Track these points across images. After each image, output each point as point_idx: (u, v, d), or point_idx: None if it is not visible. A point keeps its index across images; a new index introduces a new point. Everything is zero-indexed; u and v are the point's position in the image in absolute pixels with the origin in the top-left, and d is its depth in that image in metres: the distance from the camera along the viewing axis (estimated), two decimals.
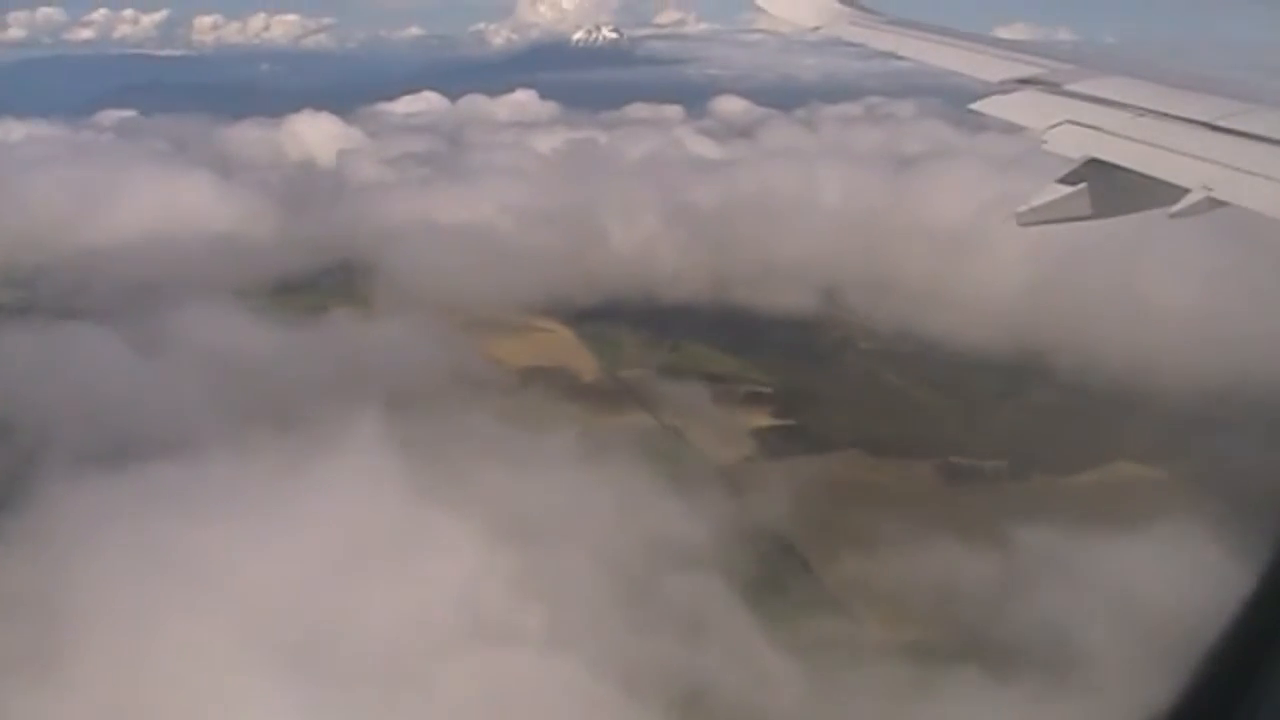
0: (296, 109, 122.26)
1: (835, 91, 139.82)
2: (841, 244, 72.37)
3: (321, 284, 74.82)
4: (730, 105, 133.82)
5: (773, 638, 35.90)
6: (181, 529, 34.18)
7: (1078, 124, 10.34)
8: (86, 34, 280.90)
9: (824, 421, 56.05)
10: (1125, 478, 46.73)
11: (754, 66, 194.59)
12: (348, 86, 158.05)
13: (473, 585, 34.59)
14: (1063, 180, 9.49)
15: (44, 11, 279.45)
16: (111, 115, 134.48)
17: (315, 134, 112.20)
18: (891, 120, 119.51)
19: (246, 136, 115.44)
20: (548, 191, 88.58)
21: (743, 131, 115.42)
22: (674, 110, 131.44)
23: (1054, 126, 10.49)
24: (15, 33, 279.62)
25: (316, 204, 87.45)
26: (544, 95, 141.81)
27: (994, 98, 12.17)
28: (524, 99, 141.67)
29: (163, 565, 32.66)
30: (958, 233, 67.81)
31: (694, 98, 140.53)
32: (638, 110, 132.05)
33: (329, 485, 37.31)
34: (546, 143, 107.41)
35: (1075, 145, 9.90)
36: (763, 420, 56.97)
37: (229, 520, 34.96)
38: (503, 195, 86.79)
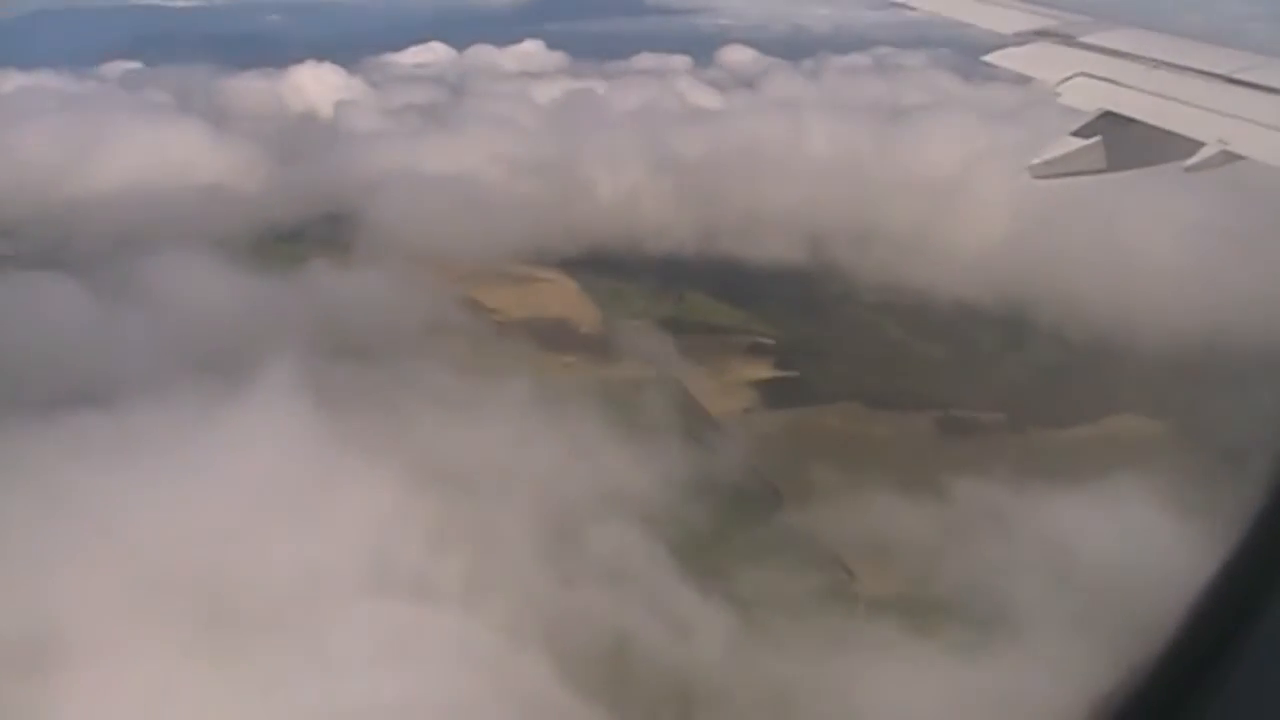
0: (302, 60, 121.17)
1: (846, 42, 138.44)
2: (837, 195, 72.21)
3: (309, 234, 74.10)
4: (737, 55, 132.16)
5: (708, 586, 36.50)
6: (93, 476, 34.43)
7: (1092, 76, 10.29)
8: None
9: (825, 373, 56.20)
10: (1122, 430, 46.92)
11: (765, 17, 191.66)
12: (356, 37, 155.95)
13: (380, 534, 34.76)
14: (1076, 133, 9.45)
15: None
16: (117, 67, 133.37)
17: (317, 85, 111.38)
18: (899, 71, 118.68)
19: (248, 88, 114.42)
20: (543, 142, 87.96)
21: (747, 82, 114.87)
22: (681, 60, 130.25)
23: (1067, 79, 10.45)
24: None
25: (309, 155, 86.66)
26: (551, 45, 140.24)
27: (1007, 50, 12.11)
28: (531, 49, 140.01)
29: (63, 511, 32.76)
30: (957, 184, 68.12)
31: (702, 48, 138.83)
32: (644, 60, 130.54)
33: (252, 435, 37.34)
34: (547, 93, 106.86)
35: (1089, 98, 9.86)
36: (764, 372, 57.27)
37: (142, 468, 34.92)
38: (497, 146, 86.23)
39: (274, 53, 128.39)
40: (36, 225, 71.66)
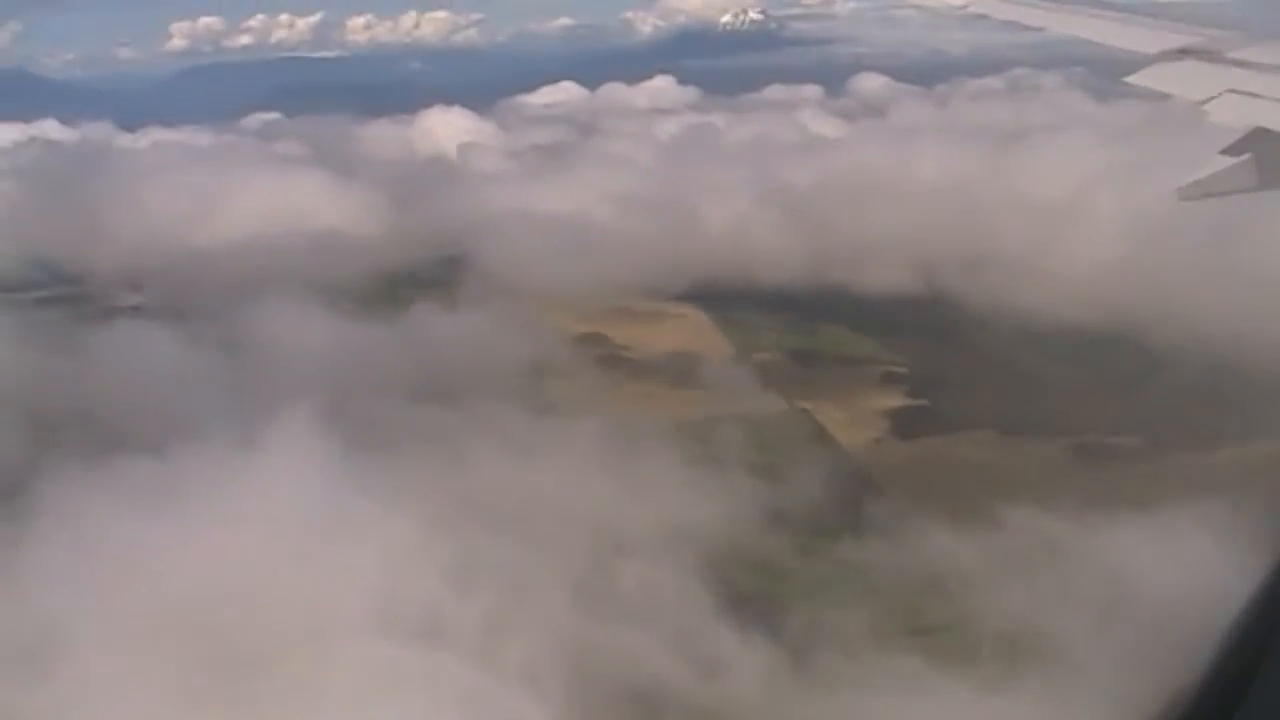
0: (432, 105, 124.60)
1: (981, 66, 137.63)
2: (960, 220, 71.96)
3: (424, 277, 75.45)
4: (869, 83, 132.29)
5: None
6: (135, 520, 34.60)
7: (1240, 92, 10.03)
8: (245, 40, 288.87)
9: (958, 402, 55.27)
10: (1265, 456, 44.91)
11: (900, 43, 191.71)
12: (492, 81, 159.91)
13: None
14: (1225, 151, 9.22)
15: (204, 21, 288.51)
16: (257, 119, 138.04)
17: (446, 129, 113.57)
18: (1032, 93, 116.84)
19: (378, 135, 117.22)
20: (662, 178, 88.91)
21: (875, 109, 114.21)
22: (812, 90, 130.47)
23: (1214, 97, 10.21)
24: (178, 43, 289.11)
25: (428, 198, 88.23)
26: (682, 81, 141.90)
27: (1151, 68, 11.86)
28: (662, 85, 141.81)
29: (100, 553, 33.14)
30: (1082, 206, 66.94)
31: (835, 77, 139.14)
32: (775, 92, 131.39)
33: (296, 482, 37.14)
34: (670, 129, 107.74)
35: (1238, 114, 9.61)
36: (895, 401, 56.61)
37: (182, 513, 35.21)
38: (617, 183, 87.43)
39: (409, 99, 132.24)
40: (162, 277, 74.12)
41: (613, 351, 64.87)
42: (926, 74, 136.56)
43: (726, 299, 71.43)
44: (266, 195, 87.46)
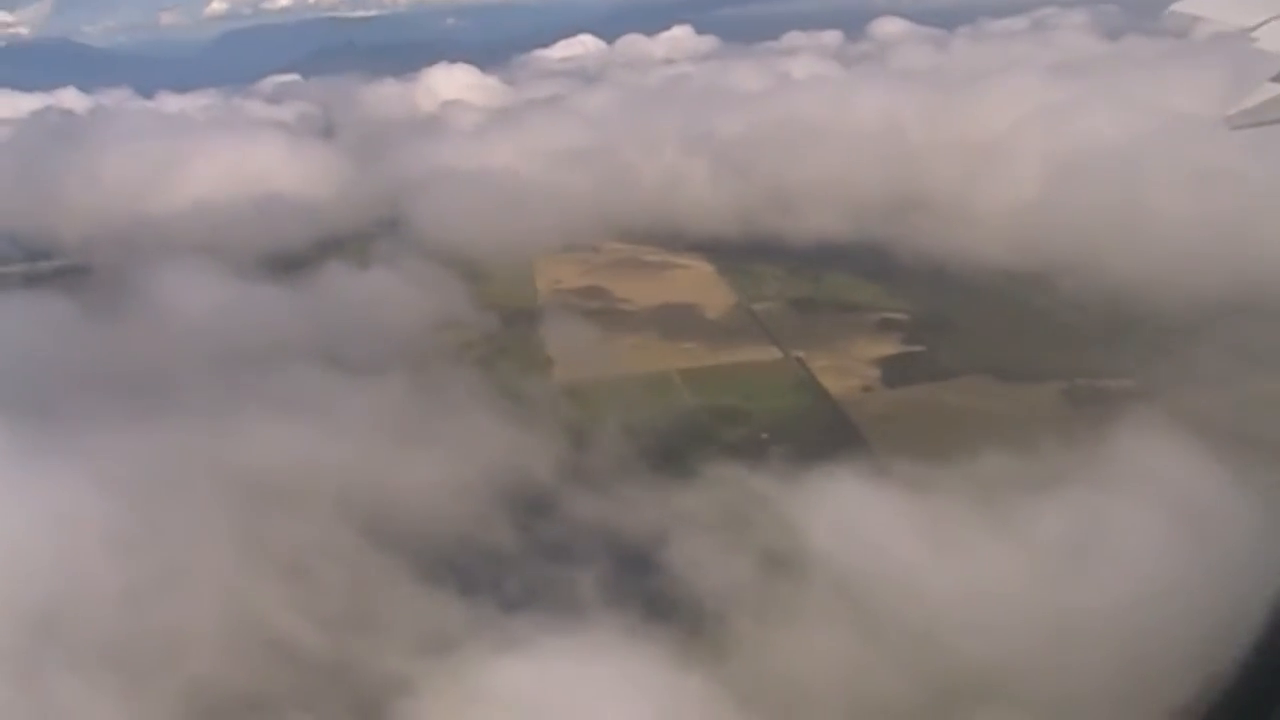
0: (444, 61, 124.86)
1: (1013, 5, 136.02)
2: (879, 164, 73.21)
3: (351, 239, 76.15)
4: (889, 27, 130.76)
5: None
6: None
7: None
8: (284, 1, 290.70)
9: (954, 347, 54.96)
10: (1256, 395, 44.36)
11: None
12: (520, 36, 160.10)
13: None
14: (1277, 79, 8.96)
15: None
16: (273, 81, 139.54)
17: (449, 86, 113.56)
18: (1051, 32, 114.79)
19: (384, 94, 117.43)
20: (612, 131, 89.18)
21: (879, 54, 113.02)
22: (831, 36, 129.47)
23: (1263, 23, 9.97)
24: (217, 7, 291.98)
25: (386, 158, 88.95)
26: (701, 30, 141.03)
27: None
28: (680, 35, 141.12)
29: None
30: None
31: (857, 22, 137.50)
32: (794, 39, 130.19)
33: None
34: (670, 75, 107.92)
35: None
36: (890, 348, 56.32)
37: None
38: (567, 136, 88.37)
39: (434, 55, 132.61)
40: (100, 243, 75.70)
41: (610, 304, 65.37)
42: (952, 16, 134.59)
43: (734, 249, 71.62)
44: (228, 161, 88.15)
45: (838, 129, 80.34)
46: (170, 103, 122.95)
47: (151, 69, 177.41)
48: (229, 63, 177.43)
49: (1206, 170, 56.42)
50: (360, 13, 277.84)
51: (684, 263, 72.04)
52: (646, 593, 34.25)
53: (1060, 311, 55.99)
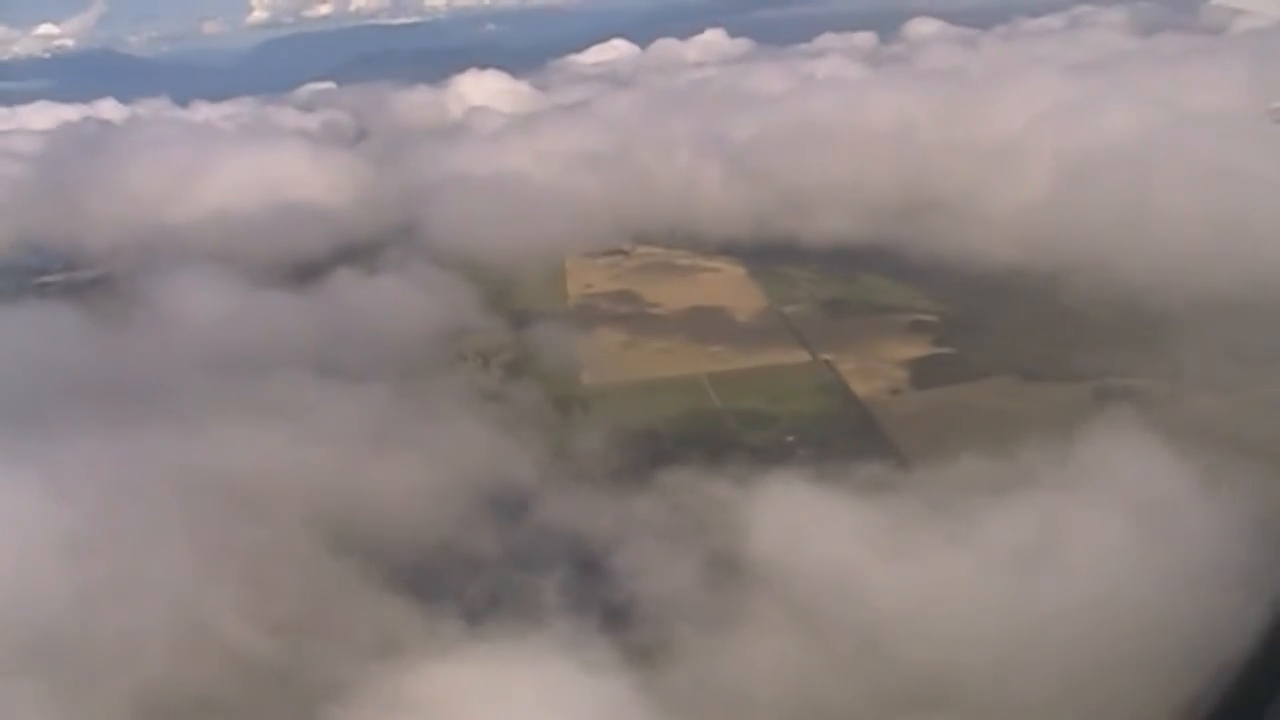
0: (497, 66, 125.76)
1: (1051, 4, 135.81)
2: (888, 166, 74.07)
3: (365, 246, 75.91)
4: (923, 28, 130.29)
5: None
6: None
7: None
8: (325, 9, 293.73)
9: (983, 348, 54.70)
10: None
11: None
12: (559, 40, 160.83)
13: None
14: None
15: None
16: (309, 89, 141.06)
17: (479, 92, 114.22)
18: (1087, 29, 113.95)
19: (414, 100, 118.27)
20: (630, 134, 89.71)
21: (904, 56, 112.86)
22: (864, 38, 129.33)
23: None
24: (258, 15, 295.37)
25: (406, 165, 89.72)
26: (734, 33, 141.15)
27: None
28: (713, 39, 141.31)
29: None
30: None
31: (892, 23, 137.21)
32: (827, 40, 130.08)
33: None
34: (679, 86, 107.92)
35: None
36: (920, 350, 56.21)
37: None
38: (587, 141, 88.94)
39: (467, 61, 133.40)
40: (117, 253, 76.63)
41: (640, 309, 65.71)
42: (991, 15, 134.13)
43: (764, 251, 71.77)
44: (250, 169, 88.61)
45: (854, 130, 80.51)
46: (203, 112, 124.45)
47: (193, 77, 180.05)
48: (269, 70, 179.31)
49: (1222, 166, 55.99)
50: (401, 20, 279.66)
51: (715, 266, 72.33)
52: (602, 599, 34.71)
53: (1085, 310, 55.59)
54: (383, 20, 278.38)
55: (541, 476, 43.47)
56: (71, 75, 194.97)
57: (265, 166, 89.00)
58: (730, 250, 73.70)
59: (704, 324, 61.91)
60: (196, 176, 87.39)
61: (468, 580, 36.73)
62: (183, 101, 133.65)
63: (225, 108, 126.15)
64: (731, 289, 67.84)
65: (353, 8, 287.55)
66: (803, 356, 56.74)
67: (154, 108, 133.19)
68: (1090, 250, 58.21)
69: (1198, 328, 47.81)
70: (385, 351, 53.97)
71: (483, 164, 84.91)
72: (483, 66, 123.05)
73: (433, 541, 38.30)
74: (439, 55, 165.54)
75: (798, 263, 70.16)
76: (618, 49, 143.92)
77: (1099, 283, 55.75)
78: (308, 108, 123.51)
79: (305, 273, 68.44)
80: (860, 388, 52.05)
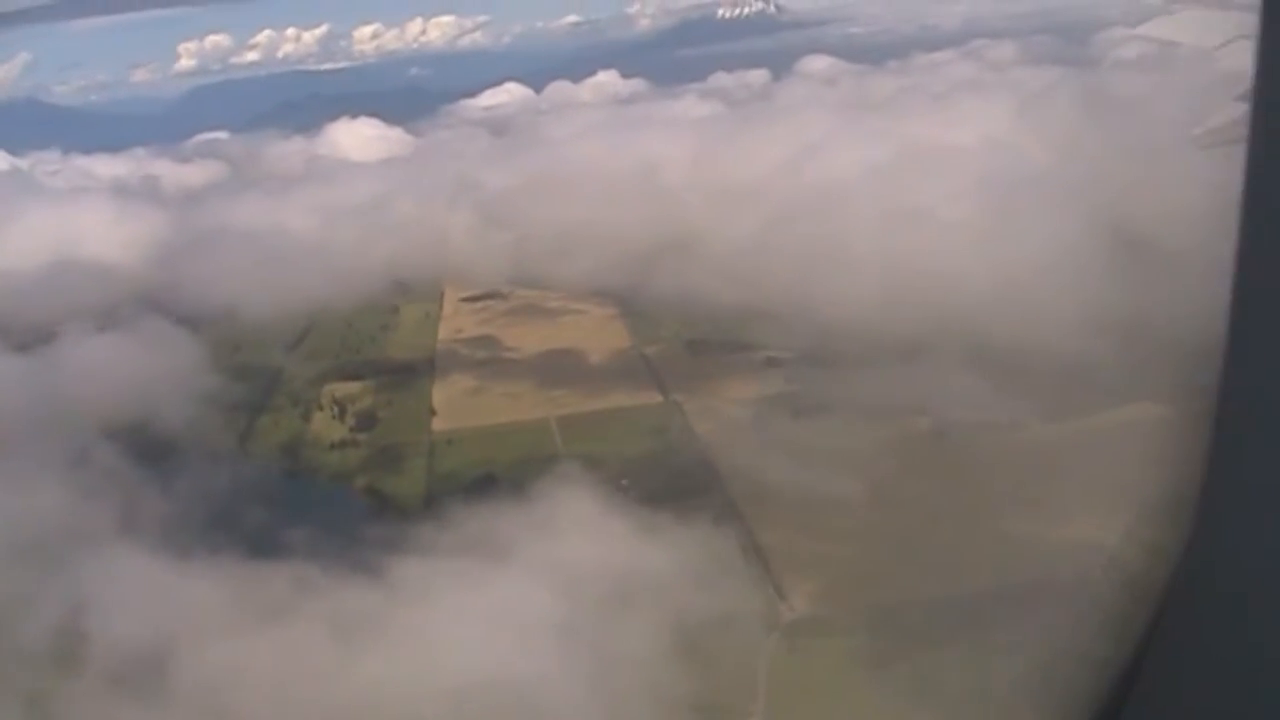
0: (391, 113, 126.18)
1: (950, 38, 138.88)
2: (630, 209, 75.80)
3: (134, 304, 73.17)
4: (815, 65, 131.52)
5: None
6: None
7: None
8: (253, 56, 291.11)
9: (835, 386, 54.47)
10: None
11: (898, 19, 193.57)
12: (465, 85, 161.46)
13: None
14: (1241, 98, 9.17)
15: (211, 39, 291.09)
16: (200, 139, 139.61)
17: (350, 140, 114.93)
18: (973, 64, 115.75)
19: (285, 150, 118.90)
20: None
21: (766, 94, 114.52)
22: (757, 75, 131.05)
23: (1231, 41, 10.13)
24: (186, 63, 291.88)
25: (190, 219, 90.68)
26: (627, 74, 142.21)
27: (1159, 19, 11.87)
28: (605, 80, 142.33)
29: None
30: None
31: (787, 60, 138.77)
32: (719, 79, 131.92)
33: None
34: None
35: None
36: (774, 388, 55.94)
37: None
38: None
39: (380, 106, 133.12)
40: None
41: (496, 354, 65.35)
42: (892, 50, 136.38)
43: (638, 292, 71.42)
44: (34, 228, 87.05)
45: (603, 173, 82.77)
46: (79, 165, 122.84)
47: (118, 126, 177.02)
48: (195, 119, 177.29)
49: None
50: (328, 65, 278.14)
51: (582, 308, 71.70)
52: None
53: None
54: (310, 66, 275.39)
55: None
56: None
57: (54, 223, 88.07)
58: (602, 292, 73.10)
59: (557, 367, 61.44)
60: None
61: None
62: (92, 151, 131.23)
63: (101, 163, 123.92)
64: (596, 331, 67.24)
65: (280, 54, 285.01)
66: (655, 397, 56.26)
67: (38, 160, 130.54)
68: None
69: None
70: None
71: (269, 215, 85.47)
72: (354, 115, 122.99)
73: None
74: (359, 99, 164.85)
75: (665, 302, 69.68)
76: (510, 92, 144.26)
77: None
78: (184, 159, 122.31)
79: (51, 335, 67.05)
80: (702, 427, 51.73)
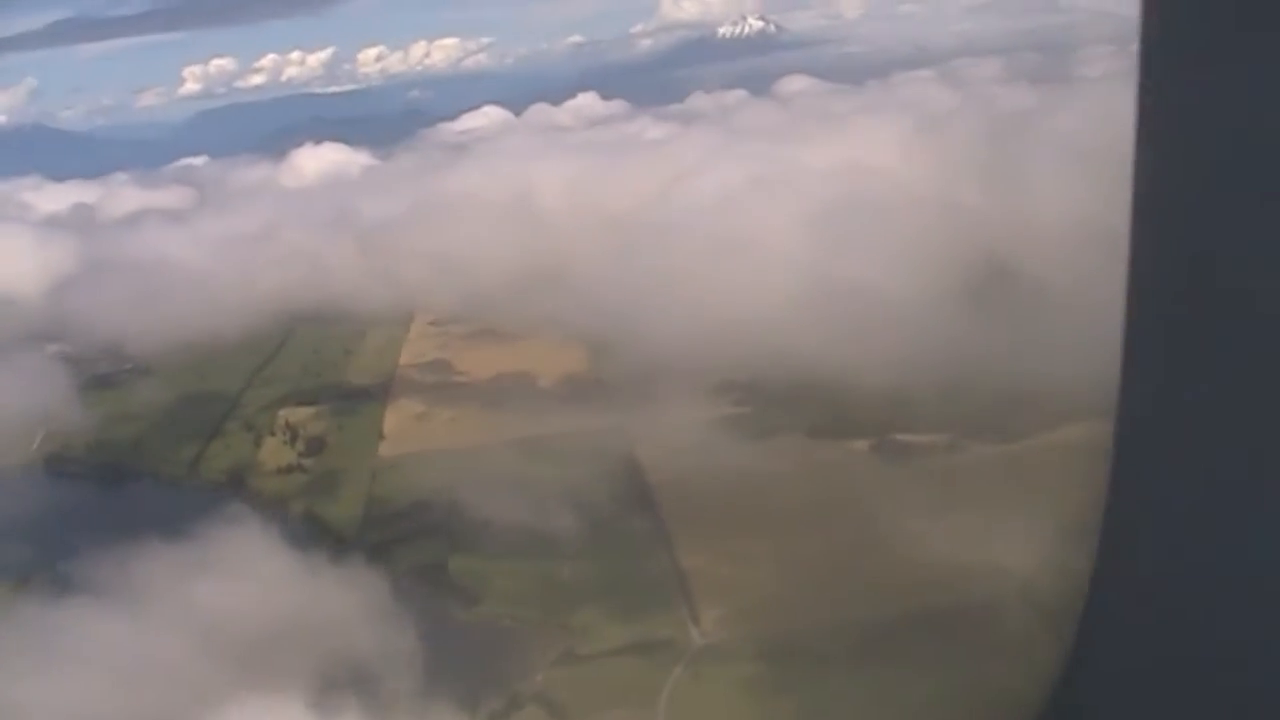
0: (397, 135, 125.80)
1: (951, 55, 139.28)
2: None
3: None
4: (793, 85, 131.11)
5: None
6: None
7: None
8: (257, 79, 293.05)
9: (782, 408, 53.85)
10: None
11: (896, 40, 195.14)
12: (453, 108, 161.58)
13: None
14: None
15: (216, 63, 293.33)
16: (181, 164, 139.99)
17: (314, 164, 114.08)
18: (950, 85, 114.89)
19: (250, 176, 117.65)
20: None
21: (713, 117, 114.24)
22: (735, 96, 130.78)
23: None
24: (190, 86, 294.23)
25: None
26: (608, 96, 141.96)
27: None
28: (585, 103, 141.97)
29: None
30: None
31: (767, 81, 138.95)
32: (697, 101, 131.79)
33: None
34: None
35: None
36: (724, 410, 55.25)
37: None
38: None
39: (381, 130, 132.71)
40: None
41: (446, 378, 64.79)
42: (876, 70, 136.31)
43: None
44: None
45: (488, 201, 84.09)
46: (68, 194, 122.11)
47: (123, 151, 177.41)
48: (196, 143, 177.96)
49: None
50: (333, 88, 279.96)
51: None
52: None
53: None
54: (315, 89, 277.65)
55: None
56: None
57: None
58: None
59: (507, 391, 60.86)
60: None
61: None
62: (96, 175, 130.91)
63: (79, 190, 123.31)
64: (551, 356, 66.33)
65: (284, 77, 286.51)
66: (596, 422, 55.42)
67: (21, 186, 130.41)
68: None
69: None
70: None
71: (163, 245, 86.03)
72: (318, 141, 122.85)
73: None
74: (360, 123, 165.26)
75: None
76: (488, 115, 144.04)
77: None
78: (157, 185, 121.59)
79: None
80: (644, 452, 50.90)
